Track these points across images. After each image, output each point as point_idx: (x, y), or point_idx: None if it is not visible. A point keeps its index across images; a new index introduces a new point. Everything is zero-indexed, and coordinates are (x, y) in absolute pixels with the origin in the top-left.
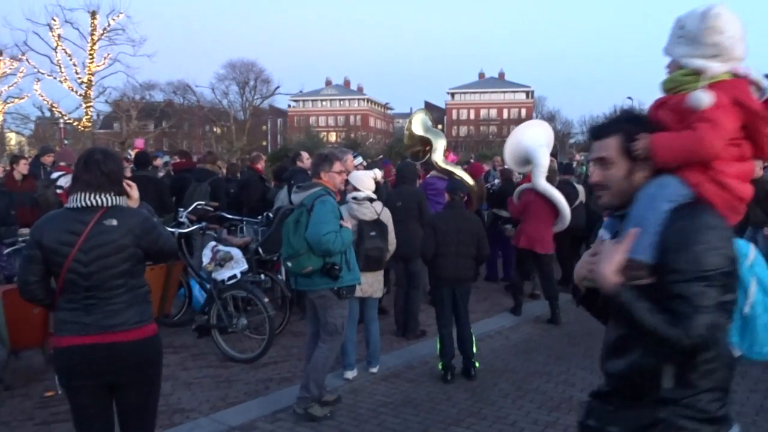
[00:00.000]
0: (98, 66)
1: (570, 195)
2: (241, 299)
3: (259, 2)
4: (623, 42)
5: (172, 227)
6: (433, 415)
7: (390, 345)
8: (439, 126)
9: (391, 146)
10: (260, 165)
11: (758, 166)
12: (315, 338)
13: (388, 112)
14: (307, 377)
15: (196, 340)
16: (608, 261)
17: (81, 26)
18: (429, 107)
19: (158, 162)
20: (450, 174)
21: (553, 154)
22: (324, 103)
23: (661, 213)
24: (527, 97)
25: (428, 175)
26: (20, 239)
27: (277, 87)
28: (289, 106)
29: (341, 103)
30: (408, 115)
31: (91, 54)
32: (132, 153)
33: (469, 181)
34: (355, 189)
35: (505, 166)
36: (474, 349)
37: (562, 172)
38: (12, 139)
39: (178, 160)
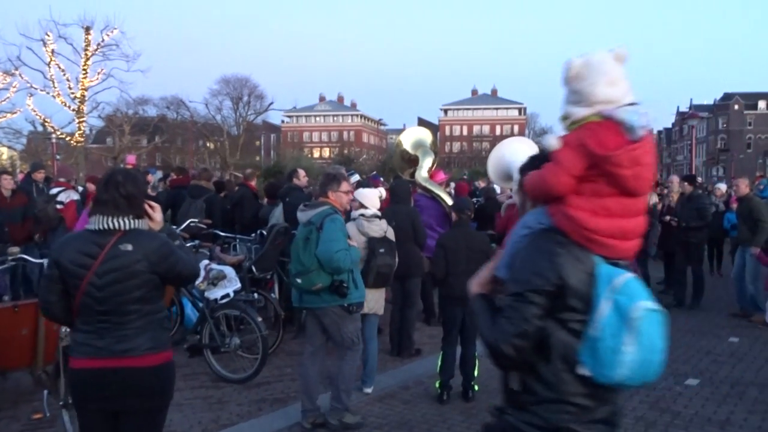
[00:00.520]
0: (92, 81)
1: None
2: (233, 318)
3: (253, 18)
4: None
5: None
6: None
7: (384, 364)
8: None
9: (384, 162)
10: (254, 182)
11: (744, 184)
12: (313, 356)
13: (382, 128)
14: (336, 390)
15: (188, 360)
16: (476, 276)
17: (75, 41)
18: (422, 123)
19: (150, 178)
20: (431, 192)
21: None
22: (317, 118)
23: (517, 237)
24: (520, 113)
25: (416, 193)
26: (9, 258)
27: (271, 103)
28: (283, 121)
29: (335, 118)
30: (401, 131)
31: (84, 69)
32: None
33: (449, 201)
34: (362, 206)
35: (489, 184)
36: (476, 372)
37: None
38: (4, 153)
39: (175, 177)
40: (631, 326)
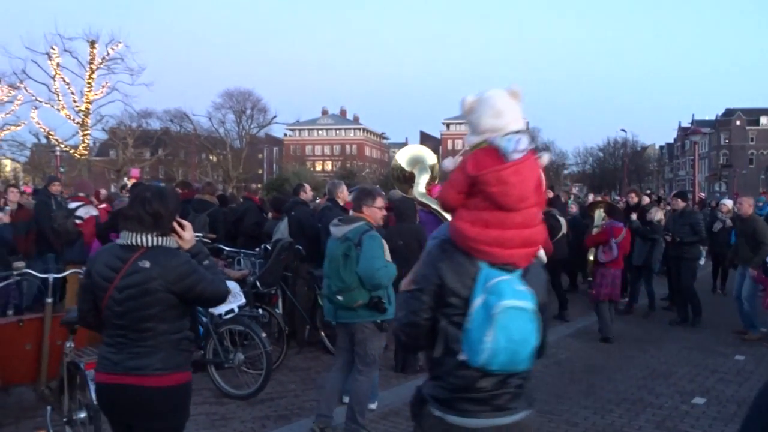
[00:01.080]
0: (96, 94)
1: (553, 227)
2: (237, 333)
3: (256, 32)
4: (618, 75)
5: None
6: None
7: (388, 381)
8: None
9: (386, 176)
10: (259, 196)
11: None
12: (342, 370)
13: (384, 141)
14: (351, 410)
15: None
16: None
17: (80, 55)
18: (424, 137)
19: None
20: (428, 207)
21: (550, 187)
22: (320, 132)
23: (428, 244)
24: None
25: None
26: (15, 272)
27: (274, 116)
28: (285, 135)
29: (337, 132)
30: (403, 145)
31: (89, 83)
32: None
33: (447, 216)
34: None
35: None
36: None
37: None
38: (7, 165)
39: (180, 191)
40: (493, 320)
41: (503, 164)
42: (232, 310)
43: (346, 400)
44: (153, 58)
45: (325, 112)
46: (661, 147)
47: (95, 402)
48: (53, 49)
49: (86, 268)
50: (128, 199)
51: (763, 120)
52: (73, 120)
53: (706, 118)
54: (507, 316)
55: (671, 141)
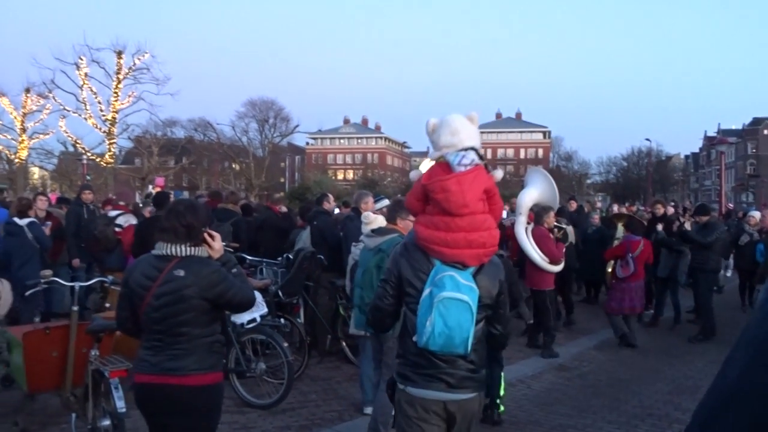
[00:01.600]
0: (122, 104)
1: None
2: (259, 342)
3: (279, 42)
4: (642, 83)
5: None
6: None
7: None
8: None
9: (408, 185)
10: (280, 207)
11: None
12: (375, 370)
13: (406, 150)
14: (374, 421)
15: None
16: None
17: (107, 65)
18: None
19: None
20: None
21: (572, 197)
22: (342, 141)
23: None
24: (544, 137)
25: None
26: (42, 281)
27: (297, 125)
28: (308, 143)
29: (359, 141)
30: (425, 154)
31: (116, 92)
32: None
33: None
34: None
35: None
36: (502, 392)
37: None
38: (35, 173)
39: (208, 200)
40: (433, 308)
41: (447, 175)
42: (254, 320)
43: (368, 410)
44: (178, 68)
45: (347, 121)
46: (687, 156)
47: (121, 409)
48: (81, 59)
49: (123, 278)
50: (151, 208)
51: None
52: (100, 129)
53: (733, 127)
54: (444, 306)
55: (697, 150)
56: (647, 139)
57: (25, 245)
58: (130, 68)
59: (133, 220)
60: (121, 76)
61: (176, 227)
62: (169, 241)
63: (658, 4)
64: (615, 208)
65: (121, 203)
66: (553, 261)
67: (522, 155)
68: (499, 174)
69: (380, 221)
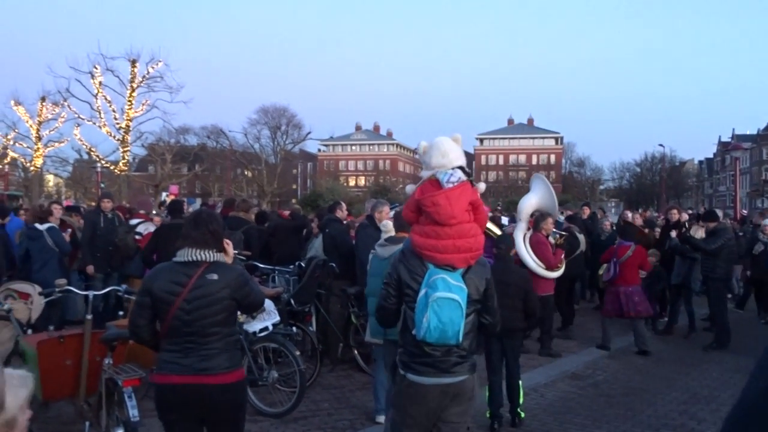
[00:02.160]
0: (136, 112)
1: (572, 245)
2: (271, 351)
3: (291, 49)
4: (655, 88)
5: None
6: None
7: None
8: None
9: None
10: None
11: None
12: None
13: (417, 157)
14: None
15: None
16: None
17: (121, 74)
18: None
19: (189, 209)
20: None
21: (586, 204)
22: (353, 147)
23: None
24: (556, 143)
25: None
26: (57, 290)
27: (309, 132)
28: (319, 150)
29: (370, 147)
30: None
31: (130, 100)
32: (167, 198)
33: (497, 231)
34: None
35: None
36: (521, 399)
37: (567, 222)
38: (50, 180)
39: (222, 208)
40: (428, 306)
41: (438, 191)
42: (266, 328)
43: (380, 419)
44: (191, 76)
45: (358, 128)
46: (701, 162)
47: (134, 418)
48: (96, 68)
49: (144, 287)
50: (187, 223)
51: None
52: (114, 137)
53: (747, 132)
54: (438, 304)
55: (711, 155)
56: (660, 145)
57: (44, 249)
58: (144, 77)
59: (152, 228)
60: (135, 85)
61: (205, 234)
62: (197, 248)
63: (672, 10)
64: (629, 215)
65: (142, 211)
66: (550, 267)
67: (534, 161)
68: (482, 187)
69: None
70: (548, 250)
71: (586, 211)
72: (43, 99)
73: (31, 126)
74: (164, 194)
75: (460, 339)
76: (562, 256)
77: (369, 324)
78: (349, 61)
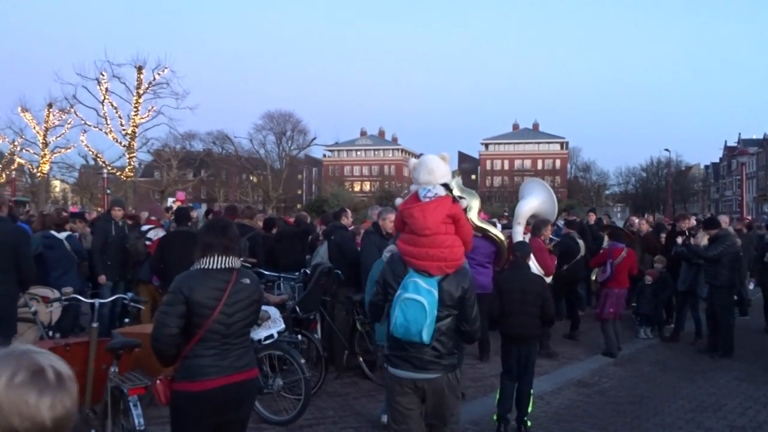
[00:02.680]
0: (142, 118)
1: (572, 249)
2: (276, 358)
3: (296, 55)
4: (661, 93)
5: None
6: None
7: None
8: (473, 176)
9: None
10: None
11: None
12: None
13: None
14: None
15: None
16: None
17: (128, 80)
18: (463, 157)
19: (194, 215)
20: (485, 232)
21: (592, 209)
22: (359, 152)
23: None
24: (562, 148)
25: None
26: (63, 297)
27: (314, 138)
28: (325, 155)
29: (376, 153)
30: None
31: (136, 107)
32: (174, 204)
33: (503, 237)
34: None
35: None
36: (530, 408)
37: (566, 227)
38: (57, 186)
39: (224, 215)
40: (398, 305)
41: (414, 204)
42: (271, 336)
43: (385, 419)
44: (197, 82)
45: (363, 133)
46: (707, 166)
47: (140, 426)
48: (102, 75)
49: (180, 295)
50: (209, 231)
51: None
52: (120, 143)
53: (753, 137)
54: (405, 304)
55: (717, 160)
56: (666, 149)
57: (64, 257)
58: (150, 83)
59: (163, 234)
60: (141, 91)
61: (233, 242)
62: (226, 255)
63: (677, 15)
64: (635, 220)
65: (153, 218)
66: (548, 273)
67: (539, 166)
68: (464, 203)
69: None
70: (547, 256)
71: (592, 217)
72: (50, 105)
73: (38, 132)
74: (170, 200)
75: (425, 338)
76: (554, 262)
77: (375, 330)
78: (354, 67)
